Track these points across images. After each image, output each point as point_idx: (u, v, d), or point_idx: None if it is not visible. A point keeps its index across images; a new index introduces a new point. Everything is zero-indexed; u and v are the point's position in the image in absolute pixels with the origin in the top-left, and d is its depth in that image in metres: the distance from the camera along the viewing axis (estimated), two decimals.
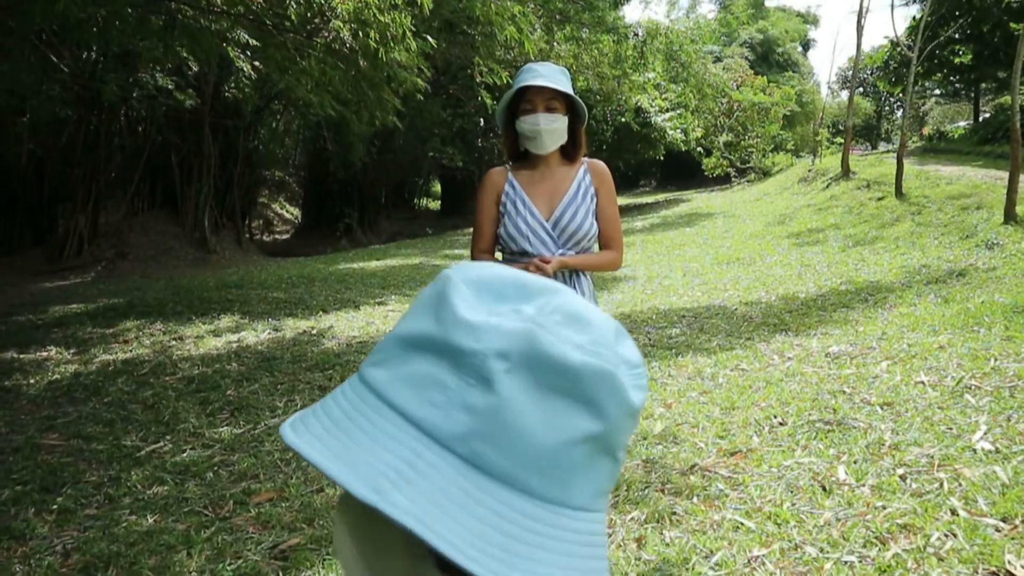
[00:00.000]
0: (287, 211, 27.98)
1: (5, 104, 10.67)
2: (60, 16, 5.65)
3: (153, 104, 14.06)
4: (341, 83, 7.76)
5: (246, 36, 7.64)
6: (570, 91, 2.31)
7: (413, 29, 6.94)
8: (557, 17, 12.00)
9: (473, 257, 2.47)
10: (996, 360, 4.39)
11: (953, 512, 2.72)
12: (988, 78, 28.53)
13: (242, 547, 2.86)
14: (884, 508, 2.80)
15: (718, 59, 31.98)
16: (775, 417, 3.91)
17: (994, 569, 2.36)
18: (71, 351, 6.19)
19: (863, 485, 3.02)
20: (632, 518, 2.92)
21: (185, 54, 8.25)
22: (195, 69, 12.22)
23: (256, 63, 8.98)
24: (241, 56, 8.75)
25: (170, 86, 12.39)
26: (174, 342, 6.37)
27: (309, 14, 7.15)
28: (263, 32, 7.41)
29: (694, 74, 18.92)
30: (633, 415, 0.51)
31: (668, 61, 17.76)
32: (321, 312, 7.67)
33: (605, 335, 0.51)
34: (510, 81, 10.48)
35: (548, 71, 2.31)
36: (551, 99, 2.29)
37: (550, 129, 2.30)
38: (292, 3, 6.74)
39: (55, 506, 3.30)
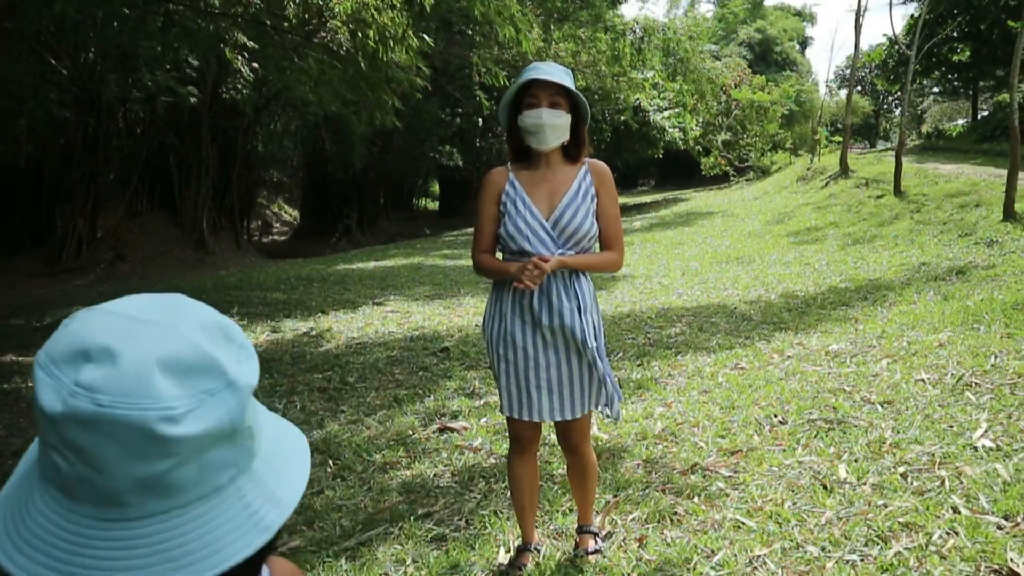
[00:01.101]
0: (286, 212, 27.97)
1: (3, 106, 10.64)
2: (57, 17, 5.64)
3: (152, 105, 14.06)
4: (340, 82, 7.75)
5: (243, 38, 7.63)
6: (574, 88, 2.32)
7: (411, 28, 6.94)
8: (555, 16, 12.01)
9: (474, 257, 2.46)
10: (996, 357, 4.38)
11: (955, 510, 2.72)
12: (986, 76, 28.54)
13: None
14: (885, 507, 2.79)
15: (716, 58, 31.98)
16: (775, 416, 3.90)
17: (996, 567, 2.35)
18: None
19: (864, 484, 3.01)
20: (633, 518, 2.91)
21: (184, 52, 8.24)
22: (195, 64, 12.19)
23: (254, 64, 8.97)
24: (239, 57, 8.74)
25: (171, 84, 12.38)
26: None
27: (307, 15, 7.14)
28: (261, 32, 7.40)
29: (692, 70, 18.94)
30: (43, 415, 0.62)
31: (666, 57, 17.78)
32: (320, 313, 7.66)
33: (55, 350, 0.64)
34: (508, 82, 10.49)
35: (553, 69, 2.32)
36: (555, 95, 2.29)
37: (553, 124, 2.30)
38: (290, 3, 6.73)
39: None
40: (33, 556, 0.63)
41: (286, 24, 7.28)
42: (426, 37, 7.46)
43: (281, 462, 0.74)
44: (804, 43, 48.36)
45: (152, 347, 0.63)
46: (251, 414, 0.69)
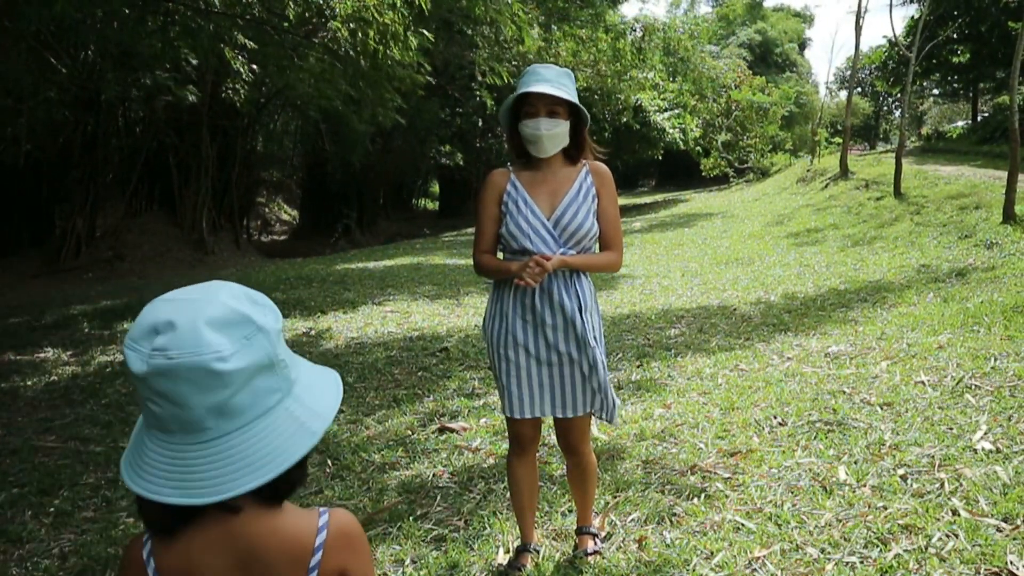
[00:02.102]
0: (285, 212, 27.96)
1: (2, 105, 10.64)
2: (57, 16, 5.63)
3: (151, 105, 14.04)
4: (341, 80, 7.75)
5: (243, 39, 7.63)
6: (574, 98, 2.31)
7: (411, 27, 6.94)
8: (555, 16, 12.01)
9: (475, 257, 2.46)
10: (996, 359, 4.38)
11: (954, 512, 2.71)
12: (986, 77, 28.52)
13: None
14: (885, 509, 2.79)
15: (716, 58, 32.01)
16: (775, 417, 3.90)
17: (996, 569, 2.35)
18: (69, 353, 6.18)
19: (864, 485, 3.01)
20: (633, 519, 2.91)
21: (184, 51, 8.23)
22: (194, 63, 12.16)
23: (254, 65, 8.96)
24: (239, 57, 8.73)
25: (170, 84, 12.37)
26: None
27: (307, 14, 7.13)
28: (261, 32, 7.40)
29: (693, 68, 18.94)
30: (135, 378, 0.90)
31: (667, 56, 17.78)
32: (319, 313, 7.65)
33: (133, 332, 0.90)
34: (511, 80, 10.48)
35: (553, 75, 2.31)
36: (554, 104, 2.29)
37: (551, 134, 2.31)
38: (290, 3, 6.73)
39: (52, 508, 3.29)
40: (151, 480, 0.89)
41: (286, 24, 7.28)
42: (426, 33, 7.45)
43: (319, 388, 0.99)
44: (803, 44, 48.39)
45: (199, 313, 0.89)
46: (283, 350, 0.94)
